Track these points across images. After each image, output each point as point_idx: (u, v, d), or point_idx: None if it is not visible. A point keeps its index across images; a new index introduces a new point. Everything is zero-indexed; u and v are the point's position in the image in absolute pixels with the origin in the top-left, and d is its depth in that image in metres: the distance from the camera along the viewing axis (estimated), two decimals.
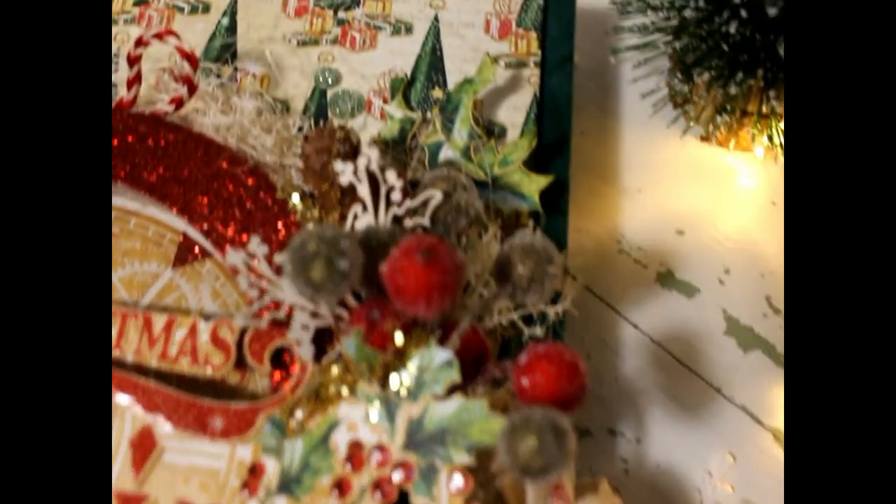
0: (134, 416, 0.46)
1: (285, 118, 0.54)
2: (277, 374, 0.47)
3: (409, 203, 0.46)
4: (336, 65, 0.58)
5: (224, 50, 0.58)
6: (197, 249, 0.51)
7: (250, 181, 0.50)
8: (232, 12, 0.59)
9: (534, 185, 0.53)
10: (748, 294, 0.59)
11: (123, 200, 0.52)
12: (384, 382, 0.43)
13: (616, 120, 0.65)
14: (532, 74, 0.58)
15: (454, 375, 0.42)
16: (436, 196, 0.46)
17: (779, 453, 0.54)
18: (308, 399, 0.45)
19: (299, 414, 0.44)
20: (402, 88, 0.57)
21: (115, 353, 0.47)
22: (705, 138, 0.63)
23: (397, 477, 0.41)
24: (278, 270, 0.45)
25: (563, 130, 0.57)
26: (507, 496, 0.41)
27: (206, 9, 0.60)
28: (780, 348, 0.57)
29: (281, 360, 0.47)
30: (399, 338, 0.43)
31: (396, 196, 0.46)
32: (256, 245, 0.45)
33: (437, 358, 0.43)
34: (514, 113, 0.57)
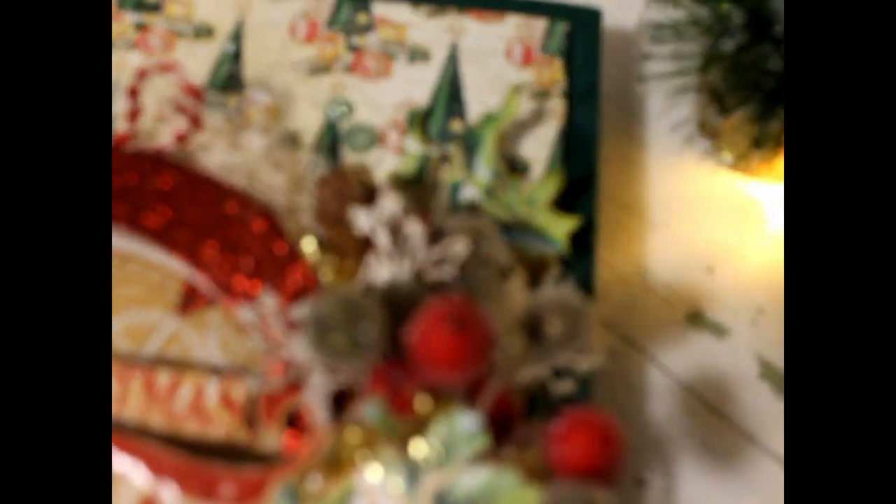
0: (137, 484, 0.43)
1: (296, 154, 0.51)
2: (291, 435, 0.44)
3: (431, 254, 0.43)
4: (349, 94, 0.55)
5: (229, 79, 0.54)
6: (203, 295, 0.48)
7: (260, 226, 0.47)
8: (237, 37, 0.56)
9: (561, 228, 0.50)
10: (783, 336, 0.56)
11: (123, 243, 0.49)
12: (406, 449, 0.40)
13: (641, 148, 0.62)
14: (557, 105, 0.55)
15: (483, 443, 0.39)
16: (460, 248, 0.43)
17: None
18: (324, 465, 0.42)
19: (314, 481, 0.42)
20: (420, 121, 0.53)
21: (116, 412, 0.44)
22: (736, 167, 0.60)
23: None
24: (293, 325, 0.42)
25: (590, 165, 0.54)
26: None
27: (210, 33, 0.56)
28: None
29: (295, 419, 0.44)
30: (423, 404, 0.40)
31: (418, 246, 0.43)
32: (268, 301, 0.42)
33: (465, 424, 0.40)
34: (538, 147, 0.54)
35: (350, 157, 0.52)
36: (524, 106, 0.54)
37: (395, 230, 0.43)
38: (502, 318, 0.46)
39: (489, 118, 0.52)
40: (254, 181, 0.49)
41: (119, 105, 0.52)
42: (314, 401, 0.42)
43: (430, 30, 0.57)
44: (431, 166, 0.52)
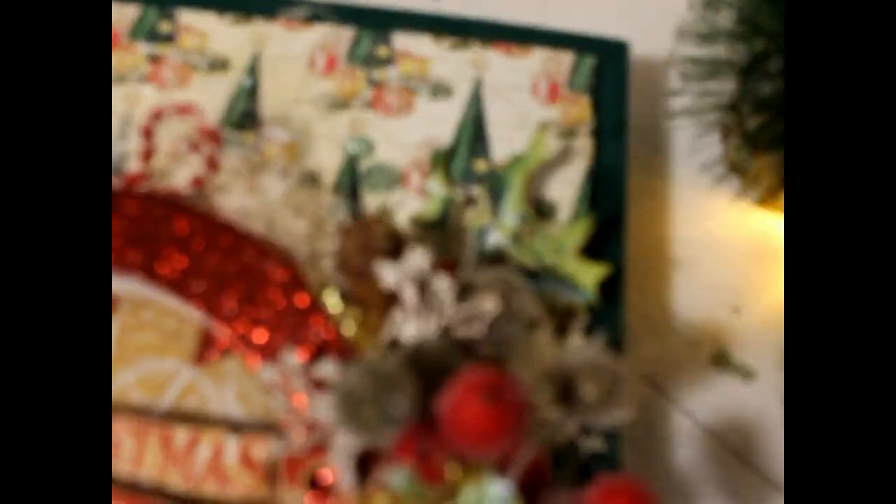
0: None
1: (316, 197, 0.49)
2: (313, 498, 0.42)
3: (460, 311, 0.41)
4: (369, 132, 0.53)
5: (246, 115, 0.52)
6: (220, 343, 0.46)
7: (281, 276, 0.45)
8: (254, 71, 0.54)
9: (590, 276, 0.48)
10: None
11: (138, 288, 0.47)
12: None
13: (667, 183, 0.60)
14: (584, 144, 0.53)
15: None
16: (490, 306, 0.41)
17: None
18: None
19: None
20: (444, 162, 0.52)
21: (132, 472, 0.43)
22: (765, 205, 0.59)
23: None
24: (316, 385, 0.40)
25: (618, 207, 0.53)
26: None
27: (225, 66, 0.54)
28: None
29: (318, 481, 0.43)
30: (453, 471, 0.39)
31: (446, 304, 0.41)
32: (291, 360, 0.40)
33: (496, 491, 0.38)
34: (565, 188, 0.52)
35: (371, 200, 0.51)
36: (550, 144, 0.52)
37: (423, 285, 0.41)
38: (531, 373, 0.44)
39: (516, 160, 0.50)
40: (273, 226, 0.47)
41: (132, 142, 0.51)
42: (339, 463, 0.41)
43: (453, 63, 0.55)
44: (456, 209, 0.50)
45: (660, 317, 0.57)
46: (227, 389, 0.46)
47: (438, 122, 0.53)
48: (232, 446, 0.43)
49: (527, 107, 0.54)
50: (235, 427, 0.44)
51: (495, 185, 0.50)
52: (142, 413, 0.45)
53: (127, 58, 0.54)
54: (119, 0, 0.55)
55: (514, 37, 0.56)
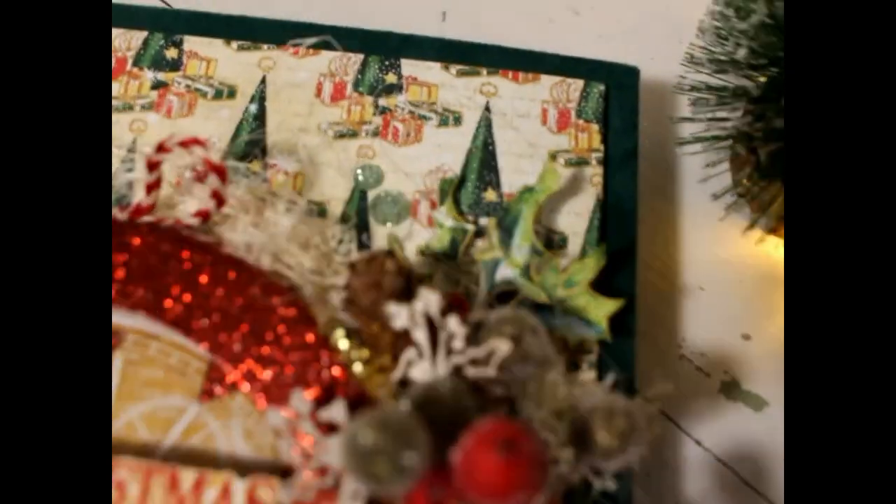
0: None
1: (324, 231, 0.48)
2: None
3: (472, 352, 0.41)
4: (377, 160, 0.52)
5: (252, 145, 0.52)
6: (226, 379, 0.46)
7: (289, 313, 0.45)
8: (260, 98, 0.53)
9: (601, 311, 0.48)
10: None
11: (143, 322, 0.46)
12: None
13: (676, 208, 0.60)
14: (595, 174, 0.52)
15: None
16: (503, 347, 0.40)
17: None
18: None
19: None
20: (452, 191, 0.51)
21: None
22: (775, 231, 0.58)
23: None
24: (326, 429, 0.40)
25: (628, 238, 0.52)
26: None
27: (232, 93, 0.53)
28: None
29: None
30: None
31: (458, 344, 0.41)
32: (300, 402, 0.40)
33: None
34: (575, 219, 0.51)
35: (379, 230, 0.50)
36: (561, 175, 0.52)
37: (434, 326, 0.41)
38: (543, 413, 0.44)
39: (527, 191, 0.50)
40: (280, 260, 0.47)
41: (137, 170, 0.50)
42: None
43: (462, 90, 0.54)
44: (465, 241, 0.49)
45: (669, 344, 0.56)
46: (232, 427, 0.45)
47: (447, 150, 0.53)
48: (239, 489, 0.42)
49: (536, 135, 0.53)
50: (242, 467, 0.44)
51: (505, 216, 0.49)
52: (146, 452, 0.45)
53: (132, 85, 0.53)
54: (125, 26, 0.54)
55: (522, 62, 0.55)
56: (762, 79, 0.50)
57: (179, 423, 0.46)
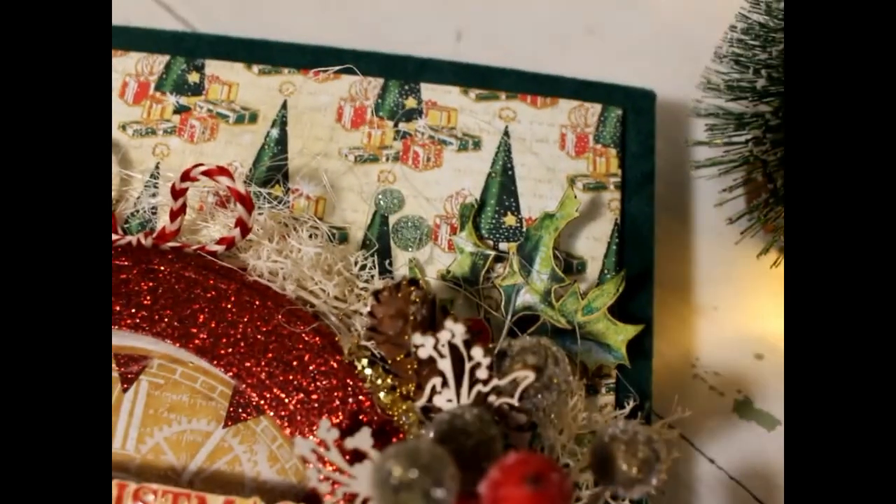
0: None
1: (347, 257, 0.49)
2: None
3: (496, 382, 0.41)
4: (398, 185, 0.53)
5: (274, 170, 0.52)
6: (251, 402, 0.46)
7: (315, 341, 0.45)
8: (282, 122, 0.54)
9: (620, 336, 0.48)
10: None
11: (169, 348, 0.47)
12: None
13: (690, 229, 0.60)
14: (612, 198, 0.53)
15: None
16: (527, 377, 0.41)
17: None
18: None
19: None
20: (472, 216, 0.51)
21: None
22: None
23: None
24: (352, 457, 0.40)
25: (646, 262, 0.52)
26: None
27: (254, 118, 0.54)
28: None
29: None
30: None
31: (482, 373, 0.41)
32: (326, 431, 0.40)
33: None
34: (593, 244, 0.52)
35: (401, 255, 0.51)
36: (580, 202, 0.52)
37: (459, 357, 0.41)
38: (564, 439, 0.45)
39: (546, 218, 0.50)
40: (304, 288, 0.47)
41: (161, 195, 0.51)
42: None
43: (481, 114, 0.55)
44: (485, 266, 0.50)
45: (682, 363, 0.57)
46: (258, 450, 0.46)
47: (467, 175, 0.53)
48: None
49: (554, 159, 0.54)
50: (267, 493, 0.45)
51: (525, 243, 0.50)
52: (172, 475, 0.45)
53: (155, 109, 0.54)
54: (147, 51, 0.55)
55: (540, 86, 0.56)
56: (778, 105, 0.51)
57: (205, 447, 0.46)
